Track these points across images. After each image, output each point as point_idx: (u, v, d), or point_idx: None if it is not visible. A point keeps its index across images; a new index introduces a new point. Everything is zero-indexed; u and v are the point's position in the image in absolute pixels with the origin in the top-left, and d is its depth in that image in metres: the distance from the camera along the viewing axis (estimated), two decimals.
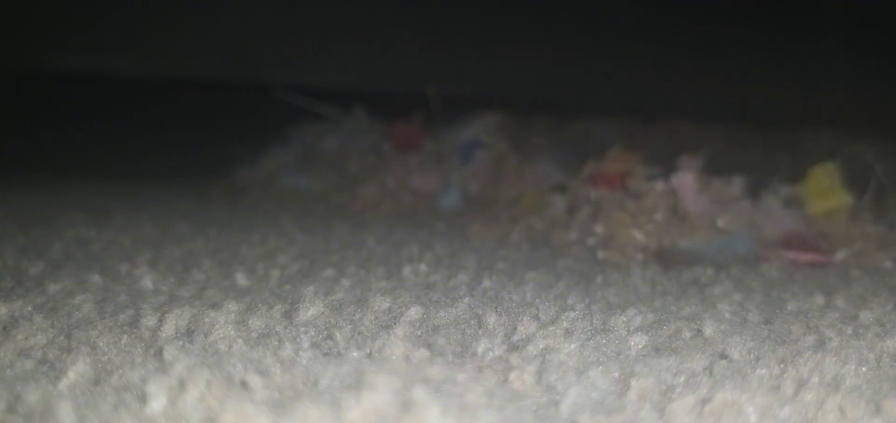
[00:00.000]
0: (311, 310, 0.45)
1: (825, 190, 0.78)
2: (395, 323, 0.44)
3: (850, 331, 0.46)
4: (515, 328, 0.43)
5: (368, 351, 0.39)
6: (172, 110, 1.32)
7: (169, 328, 0.41)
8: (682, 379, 0.36)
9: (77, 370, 0.33)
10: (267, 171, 1.24)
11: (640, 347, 0.41)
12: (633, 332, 0.44)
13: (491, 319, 0.45)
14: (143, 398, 0.29)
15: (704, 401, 0.32)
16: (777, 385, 0.35)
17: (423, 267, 0.63)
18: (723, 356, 0.40)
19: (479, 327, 0.44)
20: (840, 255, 0.73)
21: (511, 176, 1.04)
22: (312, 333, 0.41)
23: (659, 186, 0.78)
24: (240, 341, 0.39)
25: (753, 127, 1.09)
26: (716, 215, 0.75)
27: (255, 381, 0.32)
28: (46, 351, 0.38)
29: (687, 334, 0.44)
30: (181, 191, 1.19)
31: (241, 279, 0.56)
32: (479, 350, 0.39)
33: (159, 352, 0.37)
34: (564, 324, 0.45)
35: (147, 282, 0.54)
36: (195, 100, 1.33)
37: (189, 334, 0.41)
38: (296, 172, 1.23)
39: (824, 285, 0.62)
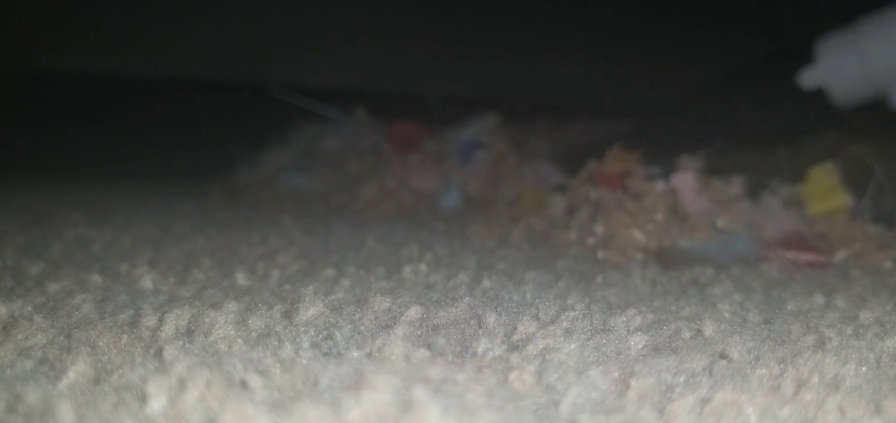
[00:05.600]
0: (311, 310, 0.45)
1: (825, 190, 0.78)
2: (395, 323, 0.43)
3: (850, 331, 0.46)
4: (515, 328, 0.43)
5: (368, 351, 0.39)
6: (172, 110, 1.32)
7: (169, 328, 0.41)
8: (682, 379, 0.36)
9: (77, 370, 0.33)
10: (267, 171, 1.24)
11: (640, 347, 0.41)
12: (633, 332, 0.44)
13: (491, 319, 0.45)
14: (143, 398, 0.29)
15: (704, 401, 0.32)
16: (777, 385, 0.35)
17: (423, 267, 0.63)
18: (723, 355, 0.40)
19: (479, 327, 0.44)
20: (840, 255, 0.73)
21: (511, 176, 1.04)
22: (312, 333, 0.41)
23: (659, 186, 0.78)
24: (240, 341, 0.39)
25: (753, 127, 1.09)
26: (716, 215, 0.75)
27: (255, 381, 0.32)
28: (46, 351, 0.38)
29: (687, 334, 0.44)
30: (181, 191, 1.19)
31: (241, 279, 0.56)
32: (479, 350, 0.39)
33: (159, 352, 0.37)
34: (564, 324, 0.45)
35: (147, 282, 0.54)
36: (195, 100, 1.33)
37: (189, 334, 0.41)
38: (296, 172, 1.23)
39: (824, 285, 0.62)
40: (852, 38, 0.93)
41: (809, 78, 0.94)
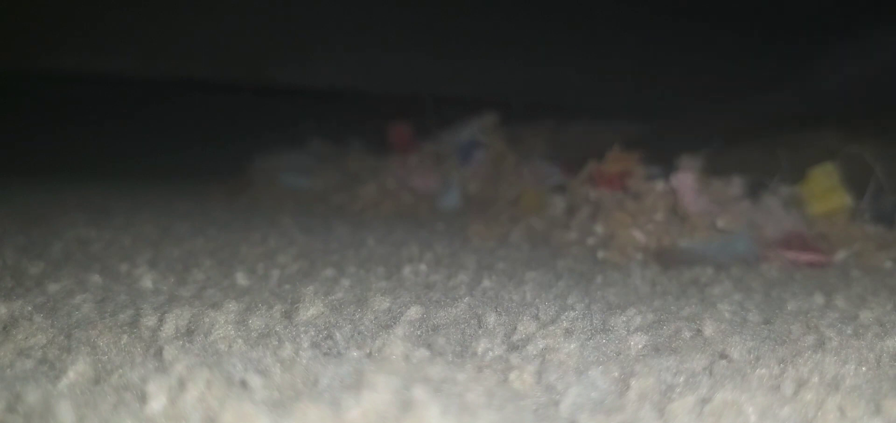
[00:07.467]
0: (311, 310, 0.45)
1: (825, 190, 0.78)
2: (395, 323, 0.43)
3: (850, 331, 0.46)
4: (515, 328, 0.43)
5: (368, 351, 0.39)
6: (172, 110, 1.33)
7: (169, 328, 0.41)
8: (682, 379, 0.36)
9: (77, 370, 0.33)
10: (267, 171, 1.24)
11: (640, 347, 0.41)
12: (633, 332, 0.44)
13: (491, 319, 0.45)
14: (143, 398, 0.29)
15: (704, 401, 0.32)
16: (777, 385, 0.35)
17: (423, 267, 0.63)
18: (723, 356, 0.40)
19: (479, 327, 0.44)
20: (840, 255, 0.73)
21: (510, 176, 1.04)
22: (312, 333, 0.41)
23: (659, 186, 0.78)
24: (240, 340, 0.39)
25: (753, 127, 1.09)
26: (716, 215, 0.75)
27: (255, 381, 0.32)
28: (46, 351, 0.38)
29: (687, 334, 0.44)
30: (181, 191, 1.19)
31: (241, 279, 0.56)
32: (479, 350, 0.39)
33: (159, 352, 0.37)
34: (564, 324, 0.45)
35: (147, 282, 0.54)
36: (195, 100, 1.33)
37: (189, 333, 0.41)
38: (296, 172, 1.23)
39: (824, 285, 0.62)
40: None
41: None
